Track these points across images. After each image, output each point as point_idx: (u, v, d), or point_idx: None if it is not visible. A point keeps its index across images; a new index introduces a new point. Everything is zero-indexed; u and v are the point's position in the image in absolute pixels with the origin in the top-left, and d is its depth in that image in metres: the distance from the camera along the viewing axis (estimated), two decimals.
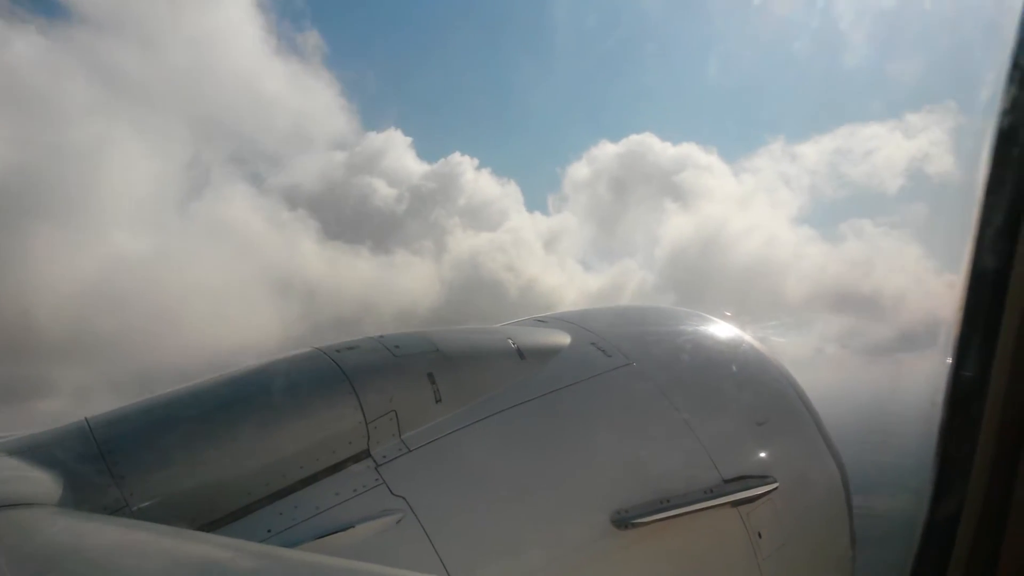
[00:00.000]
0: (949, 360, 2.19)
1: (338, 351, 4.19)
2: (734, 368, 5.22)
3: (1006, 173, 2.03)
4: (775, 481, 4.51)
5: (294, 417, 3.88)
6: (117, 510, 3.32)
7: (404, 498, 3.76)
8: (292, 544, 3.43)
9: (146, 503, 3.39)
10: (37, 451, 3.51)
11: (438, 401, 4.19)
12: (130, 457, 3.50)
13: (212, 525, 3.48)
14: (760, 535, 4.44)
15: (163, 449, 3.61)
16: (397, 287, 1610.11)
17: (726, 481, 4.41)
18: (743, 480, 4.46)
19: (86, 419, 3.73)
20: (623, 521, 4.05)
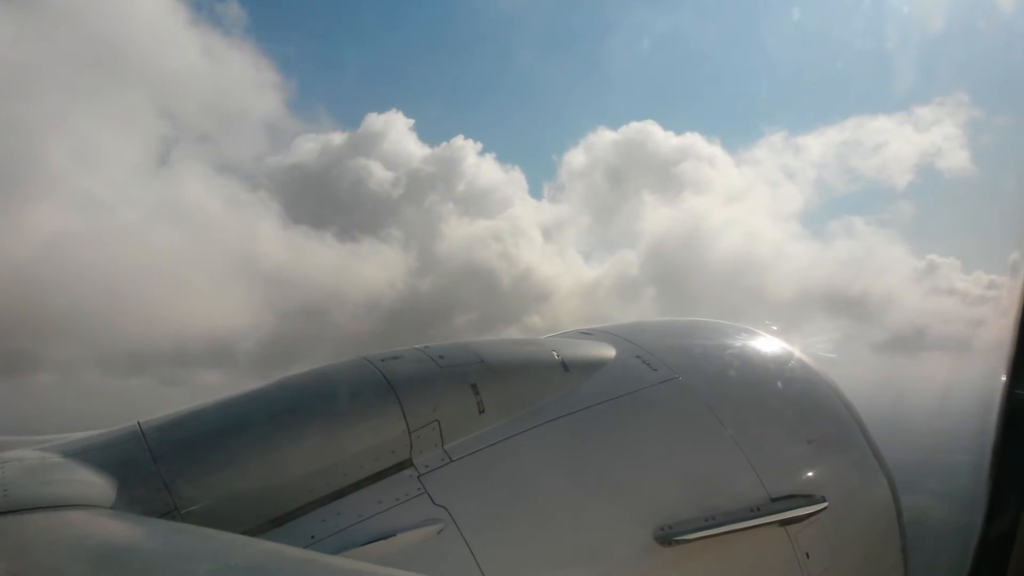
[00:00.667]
0: (1003, 378, 2.13)
1: (383, 360, 4.24)
2: (782, 384, 5.12)
3: None
4: (824, 501, 4.39)
5: (339, 425, 3.93)
6: (166, 513, 3.41)
7: (446, 508, 3.77)
8: (335, 551, 3.47)
9: (194, 508, 3.47)
10: (91, 453, 3.63)
11: (481, 412, 4.19)
12: (180, 463, 3.59)
13: (257, 530, 3.54)
14: (808, 556, 4.32)
15: (212, 455, 3.69)
16: (364, 275, 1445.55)
17: (774, 500, 4.31)
18: (791, 499, 4.35)
19: (139, 423, 3.84)
20: (667, 537, 3.99)
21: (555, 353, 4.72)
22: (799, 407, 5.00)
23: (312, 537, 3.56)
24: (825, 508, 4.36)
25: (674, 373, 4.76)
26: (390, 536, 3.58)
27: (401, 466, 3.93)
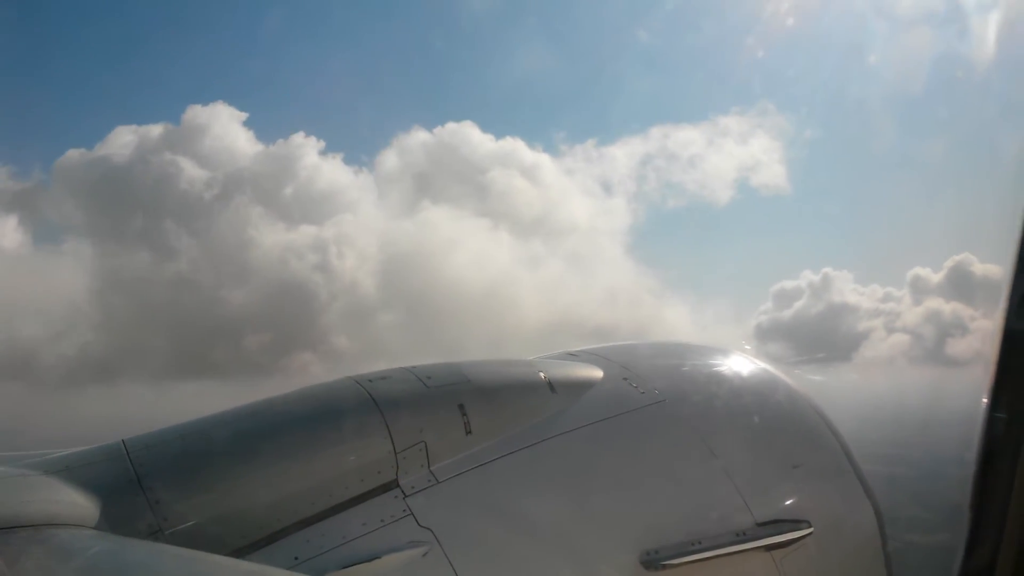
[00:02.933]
0: (984, 400, 2.15)
1: (370, 380, 4.24)
2: (769, 407, 5.13)
3: None
4: (810, 526, 4.40)
5: (324, 445, 3.92)
6: (151, 534, 3.38)
7: (431, 530, 3.76)
8: (319, 572, 3.45)
9: (179, 528, 3.44)
10: (74, 472, 3.60)
11: (468, 433, 4.19)
12: (165, 482, 3.57)
13: (241, 551, 3.52)
14: None
15: (197, 475, 3.67)
16: None
17: (759, 524, 4.32)
18: (777, 524, 4.36)
19: (123, 441, 3.81)
20: (653, 562, 3.99)
21: (542, 374, 4.73)
22: (785, 431, 5.02)
23: (296, 558, 3.53)
24: (811, 533, 4.37)
25: (661, 396, 4.77)
26: (375, 558, 3.57)
27: (387, 487, 3.91)
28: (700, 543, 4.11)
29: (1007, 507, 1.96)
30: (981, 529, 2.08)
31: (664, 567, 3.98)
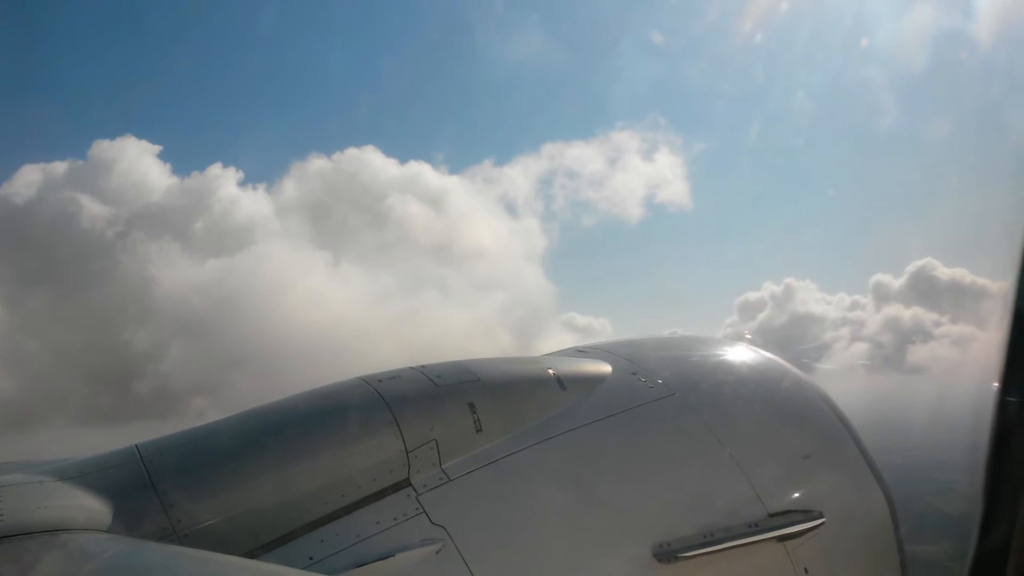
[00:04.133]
0: (995, 384, 2.15)
1: (380, 380, 4.26)
2: (778, 399, 5.14)
3: None
4: (822, 516, 4.40)
5: (336, 445, 3.94)
6: (164, 537, 3.41)
7: (444, 527, 3.78)
8: (333, 572, 3.47)
9: (193, 530, 3.47)
10: (88, 477, 3.63)
11: (479, 431, 4.21)
12: (178, 485, 3.59)
13: (256, 552, 3.54)
14: (807, 571, 4.32)
15: (210, 478, 3.69)
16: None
17: (771, 515, 4.32)
18: (789, 515, 4.36)
19: (136, 446, 3.84)
20: (666, 554, 4.00)
21: (551, 371, 4.74)
22: (795, 422, 5.02)
23: (310, 558, 3.55)
24: (823, 523, 4.37)
25: (670, 390, 4.78)
26: (389, 556, 3.58)
27: (399, 486, 3.93)
28: (713, 535, 4.12)
29: (1020, 490, 1.96)
30: (994, 514, 2.08)
31: (677, 560, 3.99)
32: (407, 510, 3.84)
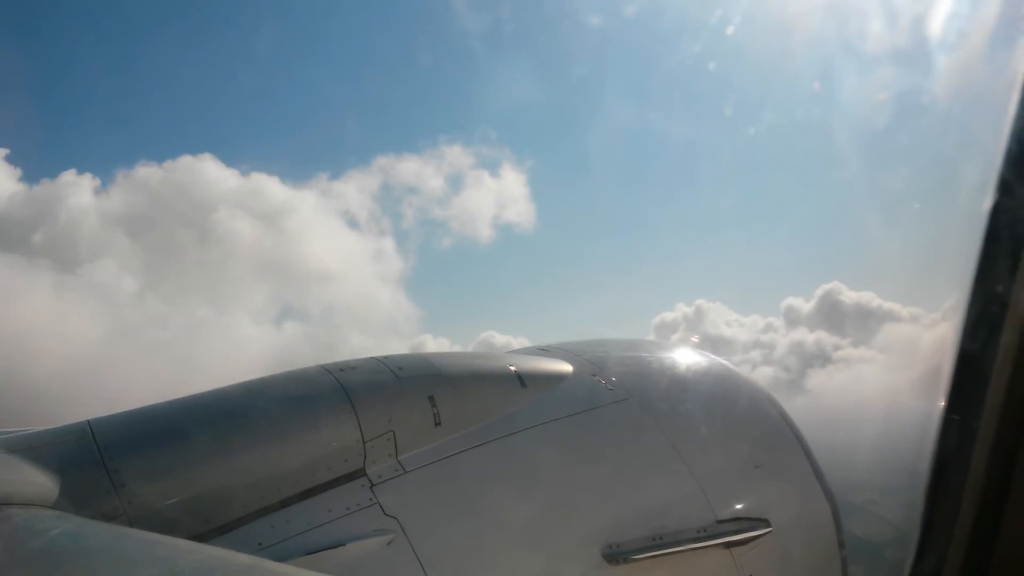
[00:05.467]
0: (941, 403, 2.22)
1: (341, 370, 4.23)
2: (734, 407, 5.23)
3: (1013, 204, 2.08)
4: (769, 524, 4.49)
5: (292, 432, 3.91)
6: (114, 517, 3.35)
7: (396, 519, 3.78)
8: (282, 558, 3.45)
9: (142, 511, 3.41)
10: (36, 451, 3.53)
11: (437, 424, 4.21)
12: (130, 465, 3.53)
13: (206, 536, 3.50)
14: None
15: (162, 459, 3.64)
16: None
17: (720, 522, 4.40)
18: (737, 521, 4.45)
19: (88, 422, 3.77)
20: (614, 556, 4.05)
21: (513, 368, 4.76)
22: (747, 430, 5.11)
23: (260, 544, 3.53)
24: (769, 532, 4.47)
25: (629, 393, 4.83)
26: (340, 545, 3.58)
27: (354, 475, 3.92)
28: (662, 539, 4.19)
29: (957, 513, 2.03)
30: (931, 534, 2.15)
31: (625, 561, 4.05)
32: (361, 500, 3.83)
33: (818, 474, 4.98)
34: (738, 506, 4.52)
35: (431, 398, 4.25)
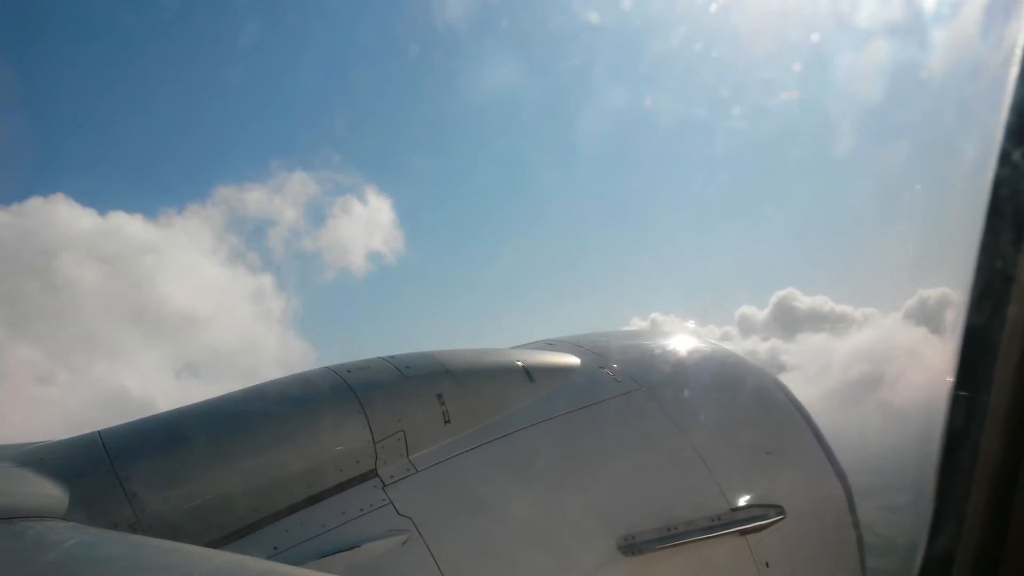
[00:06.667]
0: (949, 379, 2.20)
1: (348, 370, 4.24)
2: (742, 393, 5.21)
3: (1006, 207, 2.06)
4: (783, 510, 4.48)
5: (302, 435, 3.92)
6: (127, 526, 3.37)
7: (410, 518, 3.79)
8: (298, 562, 3.46)
9: (156, 519, 3.43)
10: (48, 464, 3.57)
11: (447, 422, 4.21)
12: (142, 474, 3.55)
13: (220, 542, 3.52)
14: (767, 565, 4.40)
15: (174, 466, 3.66)
16: None
17: (733, 509, 4.39)
18: (751, 508, 4.44)
19: (99, 433, 3.79)
20: (630, 547, 4.04)
21: (520, 363, 4.76)
22: (758, 416, 5.09)
23: (275, 548, 3.54)
24: (784, 518, 4.45)
25: (637, 384, 4.82)
26: (355, 547, 3.58)
27: (366, 476, 3.93)
28: (676, 528, 4.18)
29: (969, 493, 2.02)
30: (943, 515, 2.14)
31: (641, 552, 4.04)
32: (373, 501, 3.84)
33: (829, 455, 4.96)
34: (751, 493, 4.51)
35: (439, 396, 4.25)
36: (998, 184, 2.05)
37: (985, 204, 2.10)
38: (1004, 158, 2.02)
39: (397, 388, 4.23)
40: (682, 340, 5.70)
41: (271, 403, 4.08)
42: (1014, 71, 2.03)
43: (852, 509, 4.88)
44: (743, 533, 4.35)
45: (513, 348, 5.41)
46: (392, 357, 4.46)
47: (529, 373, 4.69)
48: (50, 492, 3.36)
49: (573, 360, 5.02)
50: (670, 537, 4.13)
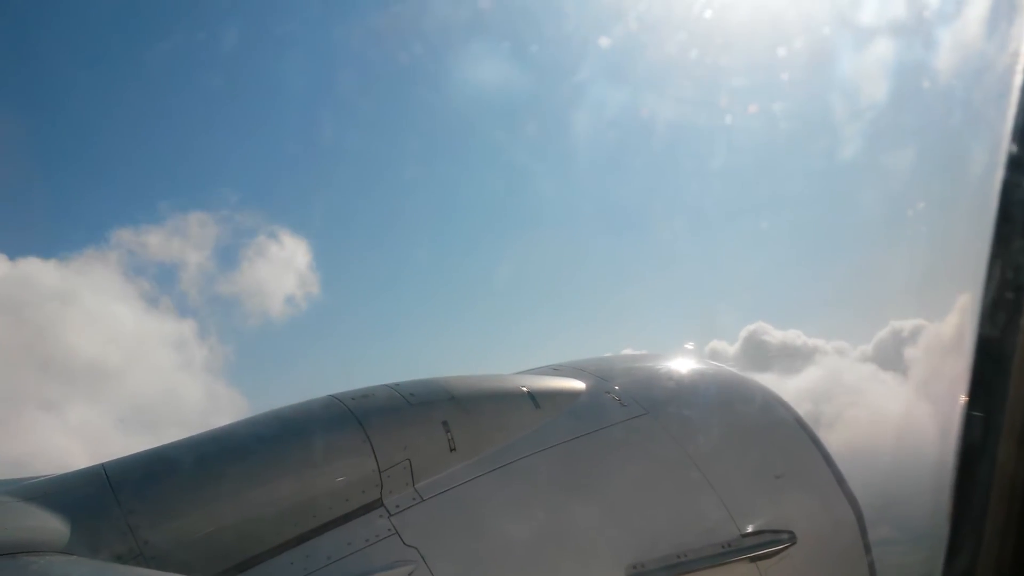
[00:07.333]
0: (962, 398, 2.16)
1: (353, 399, 4.22)
2: (750, 416, 5.16)
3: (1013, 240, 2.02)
4: (794, 535, 4.42)
5: (308, 465, 3.89)
6: (131, 559, 3.34)
7: (416, 548, 3.74)
8: None
9: (158, 552, 3.40)
10: (52, 497, 3.55)
11: (452, 450, 4.18)
12: (145, 506, 3.53)
13: (224, 574, 3.48)
14: None
15: (178, 498, 3.63)
16: None
17: (744, 535, 4.33)
18: (761, 534, 4.38)
19: (103, 466, 3.77)
20: None
21: (526, 389, 4.73)
22: (767, 440, 5.04)
23: None
24: (795, 544, 4.39)
25: (644, 409, 4.78)
26: None
27: (371, 506, 3.89)
28: (686, 556, 4.12)
29: (986, 511, 1.98)
30: (960, 535, 2.10)
31: None
32: (379, 531, 3.80)
33: (839, 479, 4.89)
34: (761, 518, 4.45)
35: (445, 423, 4.22)
36: (1006, 189, 2.01)
37: (994, 211, 2.06)
38: (1012, 162, 1.99)
39: (402, 416, 4.20)
40: (686, 362, 5.65)
41: (276, 433, 4.06)
42: (1020, 72, 2.01)
43: (863, 533, 4.81)
44: (753, 560, 4.29)
45: (518, 373, 5.38)
46: (397, 384, 4.44)
47: (535, 399, 4.66)
48: (52, 526, 3.33)
49: (578, 385, 4.99)
50: (679, 566, 4.07)
